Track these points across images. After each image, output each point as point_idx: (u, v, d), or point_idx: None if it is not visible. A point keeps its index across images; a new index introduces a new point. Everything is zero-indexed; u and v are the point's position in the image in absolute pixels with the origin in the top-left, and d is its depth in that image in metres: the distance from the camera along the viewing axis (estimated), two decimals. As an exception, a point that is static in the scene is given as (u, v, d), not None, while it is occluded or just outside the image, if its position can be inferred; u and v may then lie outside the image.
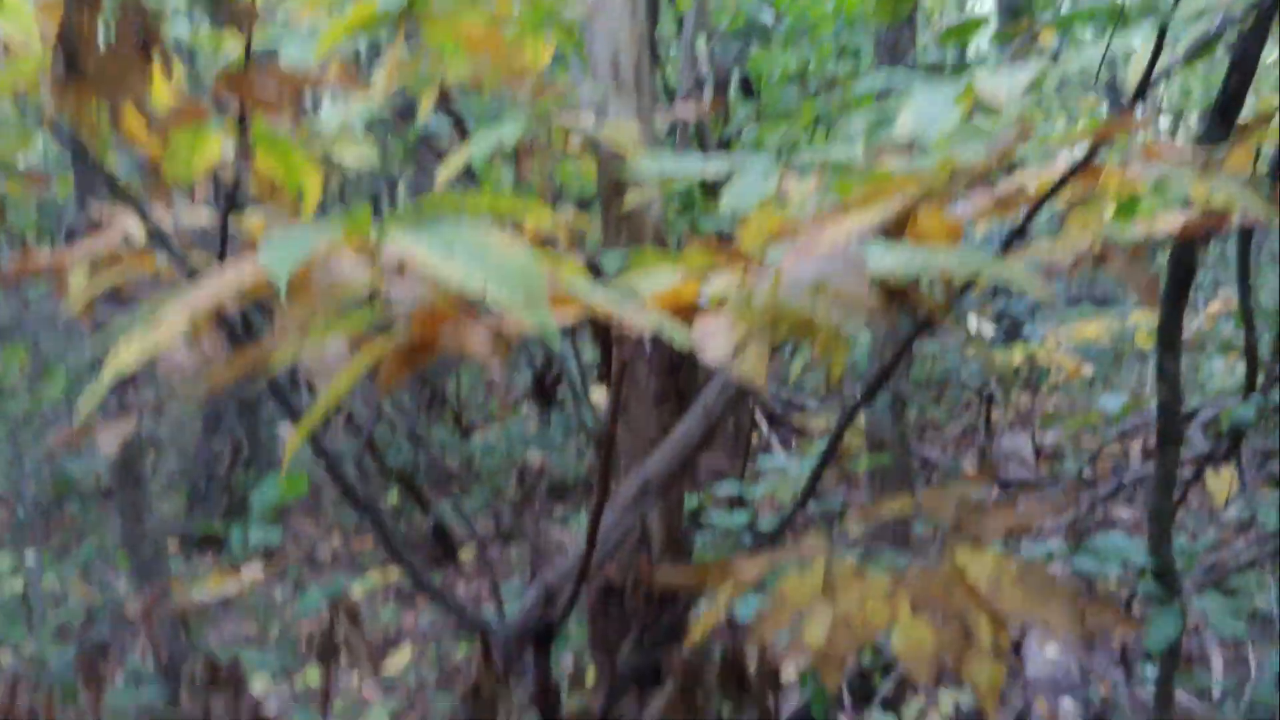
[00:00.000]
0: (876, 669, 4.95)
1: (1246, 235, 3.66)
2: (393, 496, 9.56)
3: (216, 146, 1.58)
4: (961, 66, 5.92)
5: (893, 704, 5.38)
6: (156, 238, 1.46)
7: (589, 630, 2.70)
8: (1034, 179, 1.45)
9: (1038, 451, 7.31)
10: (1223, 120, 2.11)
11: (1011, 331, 7.18)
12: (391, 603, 8.70)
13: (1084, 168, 1.40)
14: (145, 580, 3.85)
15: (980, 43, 7.49)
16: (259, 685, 6.38)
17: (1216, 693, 4.93)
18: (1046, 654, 5.31)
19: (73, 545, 9.73)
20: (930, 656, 1.27)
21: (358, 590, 7.84)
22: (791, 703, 5.26)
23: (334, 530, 11.03)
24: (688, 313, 1.13)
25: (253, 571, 4.23)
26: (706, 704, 1.64)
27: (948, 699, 4.73)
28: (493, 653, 1.83)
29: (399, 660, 7.26)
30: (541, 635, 2.05)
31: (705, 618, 1.51)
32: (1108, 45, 1.59)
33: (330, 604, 1.96)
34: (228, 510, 7.54)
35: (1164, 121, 12.22)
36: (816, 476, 1.79)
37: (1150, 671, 5.29)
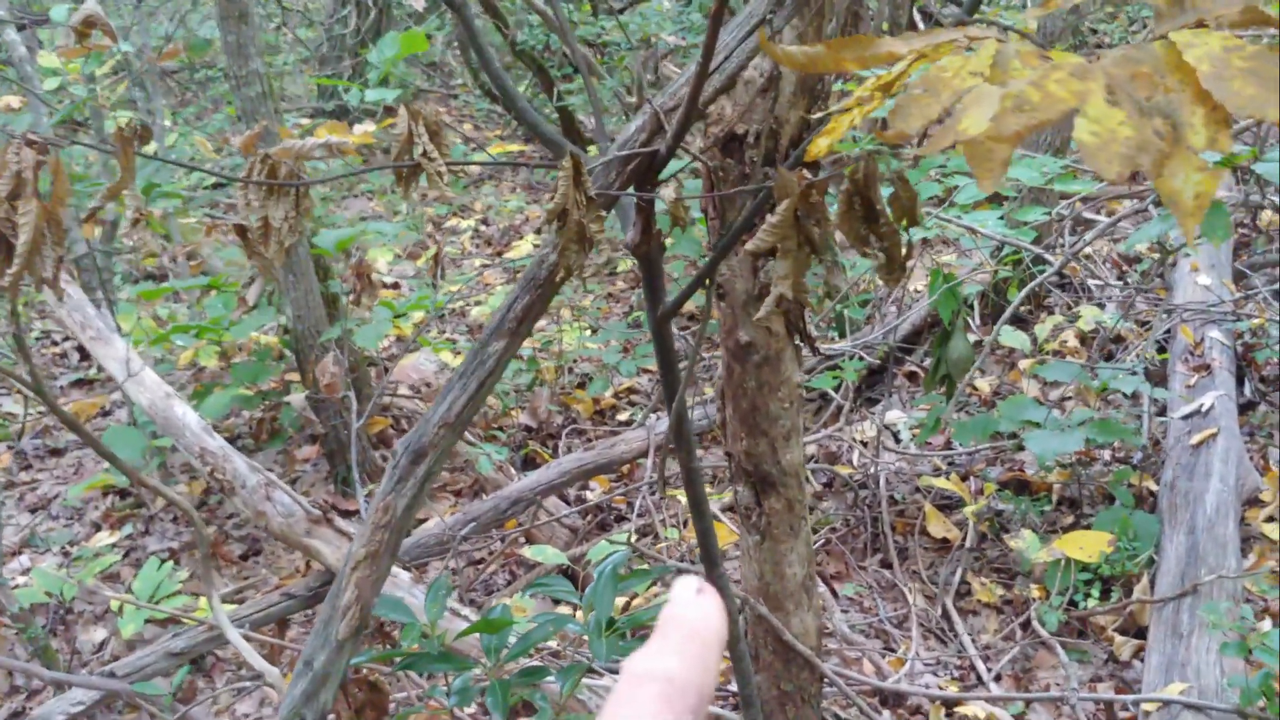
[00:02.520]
0: (1012, 283, 4.68)
1: None
2: (522, 85, 9.28)
3: None
4: None
5: (1025, 322, 5.16)
6: None
7: (703, 186, 2.46)
8: None
9: None
10: None
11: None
12: (519, 193, 8.61)
13: None
14: (251, 120, 3.70)
15: None
16: (381, 262, 6.39)
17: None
18: (1199, 280, 4.96)
19: (207, 115, 9.76)
20: (1123, 152, 0.96)
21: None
22: (914, 315, 5.07)
23: (465, 120, 10.89)
24: None
25: (364, 129, 4.07)
26: (822, 238, 1.37)
27: (1089, 314, 4.46)
28: (582, 174, 1.57)
29: (521, 248, 7.22)
30: (645, 167, 1.80)
31: (835, 123, 1.21)
32: None
33: (408, 110, 1.71)
34: (353, 76, 7.33)
35: None
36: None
37: (1312, 306, 4.93)
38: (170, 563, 3.39)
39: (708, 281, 1.99)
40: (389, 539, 1.96)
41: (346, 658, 2.03)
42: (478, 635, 2.33)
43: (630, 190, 1.83)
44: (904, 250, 1.37)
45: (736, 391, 2.49)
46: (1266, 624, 2.97)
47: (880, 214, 1.35)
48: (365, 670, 2.59)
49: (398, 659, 2.15)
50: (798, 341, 2.50)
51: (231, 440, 4.89)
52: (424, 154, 1.76)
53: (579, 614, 2.34)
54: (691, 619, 0.51)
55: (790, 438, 2.51)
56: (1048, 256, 3.83)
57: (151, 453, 4.18)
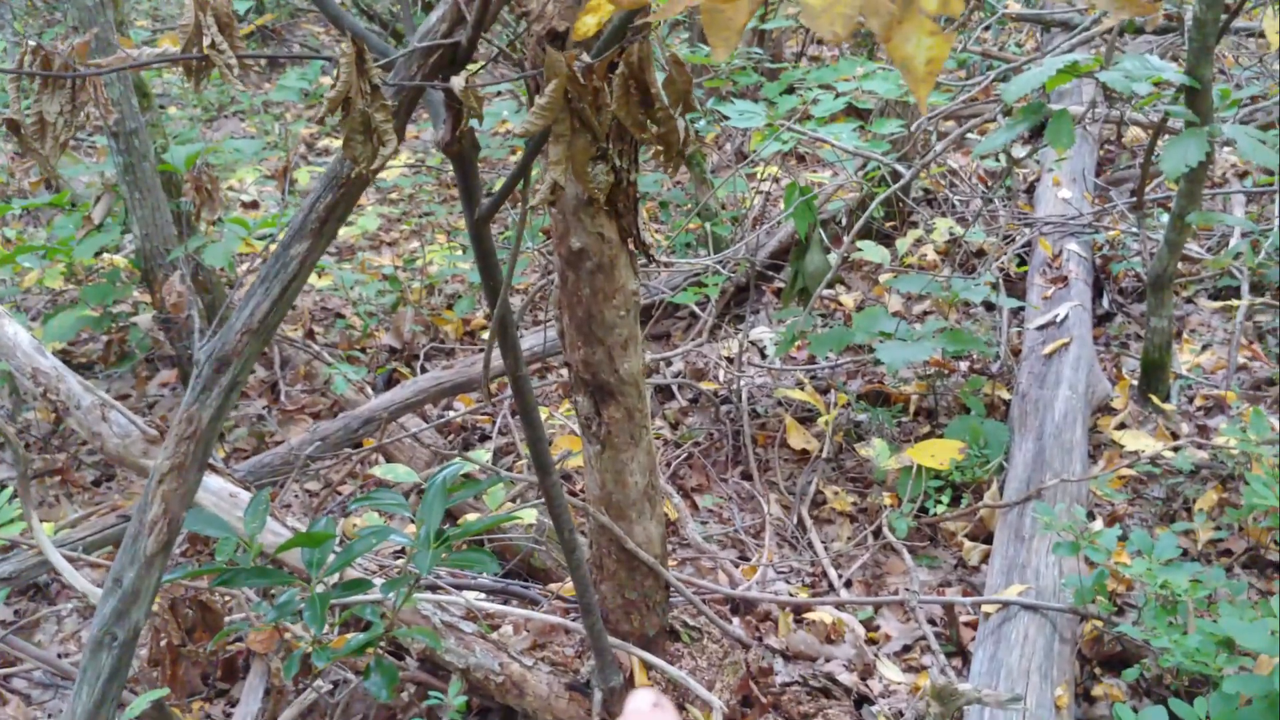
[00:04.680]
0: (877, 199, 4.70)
1: None
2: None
3: None
4: None
5: (888, 238, 5.20)
6: None
7: (527, 86, 2.40)
8: None
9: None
10: None
11: None
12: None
13: None
14: (85, 29, 3.53)
15: None
16: (248, 181, 6.21)
17: (1233, 239, 4.68)
18: (1060, 194, 5.03)
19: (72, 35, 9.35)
20: (846, 14, 0.93)
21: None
22: (782, 232, 5.07)
23: (343, 39, 10.59)
24: None
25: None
26: (603, 124, 1.34)
27: (943, 226, 4.49)
28: (365, 60, 1.51)
29: (394, 168, 7.07)
30: (448, 60, 1.74)
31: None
32: None
33: (195, 0, 1.63)
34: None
35: None
36: None
37: (1165, 219, 5.03)
38: (6, 489, 3.28)
39: (522, 181, 1.94)
40: (195, 450, 1.90)
41: (157, 574, 1.97)
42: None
43: (430, 86, 1.77)
44: (682, 136, 1.34)
45: (572, 300, 2.45)
46: (1099, 525, 3.04)
47: (656, 98, 1.32)
48: (197, 591, 2.54)
49: (215, 575, 2.09)
50: (632, 248, 2.47)
51: (87, 365, 4.74)
52: (212, 46, 1.68)
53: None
54: None
55: (628, 346, 2.49)
56: (900, 168, 3.84)
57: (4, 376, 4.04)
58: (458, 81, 1.59)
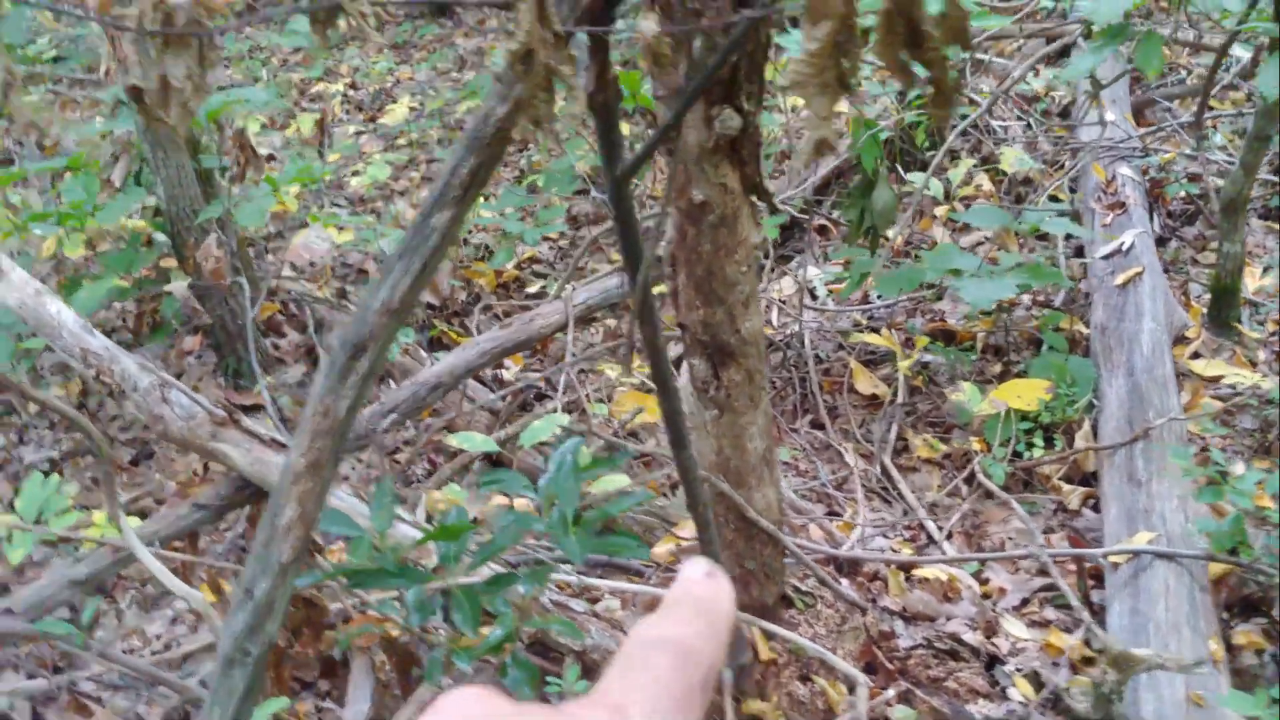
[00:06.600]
0: (920, 128, 4.53)
1: None
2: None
3: None
4: None
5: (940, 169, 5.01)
6: None
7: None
8: None
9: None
10: None
11: None
12: (386, 54, 8.13)
13: None
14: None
15: None
16: (253, 129, 5.95)
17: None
18: (1106, 115, 4.86)
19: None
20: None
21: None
22: (822, 169, 4.88)
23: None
24: None
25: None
26: (853, 69, 1.16)
27: (1011, 155, 4.32)
28: (547, 7, 1.32)
29: (396, 113, 6.81)
30: (600, 2, 1.55)
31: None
32: None
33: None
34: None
35: None
36: None
37: (1219, 139, 4.89)
38: (55, 476, 3.08)
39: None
40: (331, 446, 1.72)
41: (292, 582, 1.80)
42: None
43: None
44: (955, 78, 1.17)
45: (690, 256, 2.27)
46: (1239, 467, 2.90)
47: (926, 37, 1.14)
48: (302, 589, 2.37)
49: (346, 577, 1.92)
50: (754, 198, 2.29)
51: (106, 336, 4.52)
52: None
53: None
54: (702, 596, 0.51)
55: (749, 304, 2.32)
56: (973, 96, 3.66)
57: (20, 355, 3.82)
58: (648, 25, 1.40)
